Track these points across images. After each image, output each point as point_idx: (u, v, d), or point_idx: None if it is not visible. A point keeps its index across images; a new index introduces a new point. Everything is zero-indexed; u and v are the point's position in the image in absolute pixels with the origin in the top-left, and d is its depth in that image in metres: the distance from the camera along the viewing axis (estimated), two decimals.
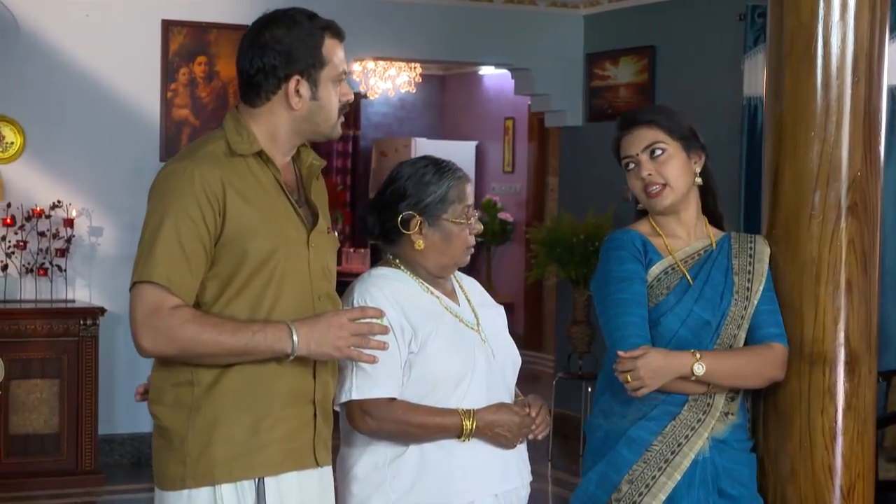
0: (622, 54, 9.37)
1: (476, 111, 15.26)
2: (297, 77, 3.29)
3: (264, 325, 3.19)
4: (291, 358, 3.21)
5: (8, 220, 8.14)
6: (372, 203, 3.69)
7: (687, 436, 3.57)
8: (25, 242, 8.18)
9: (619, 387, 3.58)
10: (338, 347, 3.22)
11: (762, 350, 3.63)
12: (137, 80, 8.53)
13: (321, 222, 3.40)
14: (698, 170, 3.70)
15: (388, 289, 3.56)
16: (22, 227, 8.18)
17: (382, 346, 3.30)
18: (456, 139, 15.26)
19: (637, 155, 3.65)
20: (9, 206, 8.18)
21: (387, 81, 13.40)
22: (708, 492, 3.58)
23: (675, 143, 3.65)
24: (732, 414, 3.64)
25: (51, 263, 8.25)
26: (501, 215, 13.92)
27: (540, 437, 3.67)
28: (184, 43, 8.64)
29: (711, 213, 3.78)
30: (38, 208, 8.21)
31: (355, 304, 3.51)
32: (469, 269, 12.06)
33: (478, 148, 15.11)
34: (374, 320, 3.30)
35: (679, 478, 3.55)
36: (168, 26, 8.60)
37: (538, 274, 9.33)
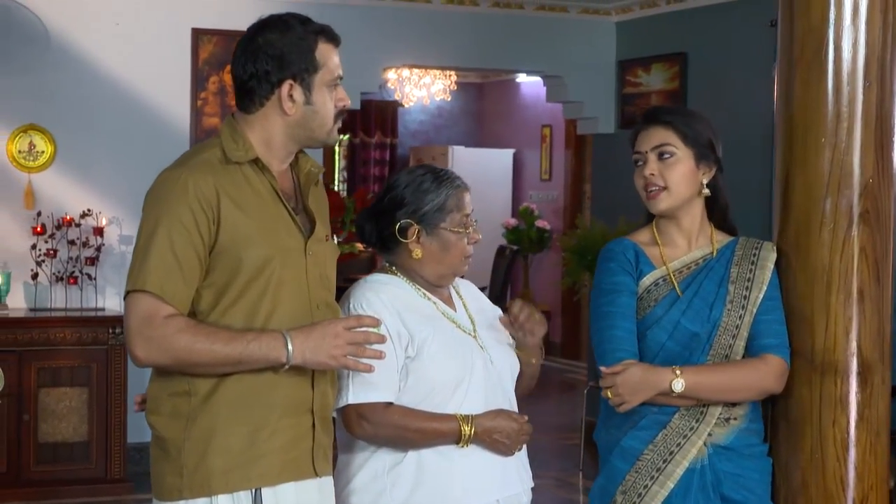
0: (654, 61, 9.30)
1: (513, 119, 15.22)
2: (290, 82, 3.26)
3: (259, 334, 3.16)
4: (287, 367, 3.18)
5: (38, 229, 8.17)
6: (369, 210, 3.66)
7: (679, 444, 3.52)
8: (55, 251, 8.20)
9: None
10: (333, 356, 3.19)
11: (753, 363, 3.56)
12: (167, 89, 8.54)
13: (319, 230, 3.37)
14: (705, 181, 3.62)
15: (385, 294, 3.53)
16: (52, 236, 8.20)
17: (378, 356, 3.26)
18: (493, 147, 15.24)
19: (646, 152, 3.61)
20: (39, 214, 8.21)
21: (422, 89, 13.38)
22: (708, 498, 3.52)
23: (687, 149, 3.59)
24: (736, 419, 3.57)
25: (80, 272, 8.28)
26: (539, 223, 13.87)
27: (532, 337, 3.62)
28: (213, 51, 8.65)
29: (721, 225, 3.71)
30: (69, 217, 8.24)
31: (352, 310, 3.49)
32: (507, 277, 12.01)
33: (515, 156, 15.07)
34: (370, 329, 3.26)
35: (672, 486, 3.50)
36: (198, 35, 8.61)
37: (568, 282, 9.28)
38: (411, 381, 3.49)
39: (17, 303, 8.23)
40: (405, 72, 13.17)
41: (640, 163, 3.63)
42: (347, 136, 15.65)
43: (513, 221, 13.99)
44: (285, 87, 3.26)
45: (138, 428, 8.26)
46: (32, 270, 8.19)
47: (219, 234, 3.18)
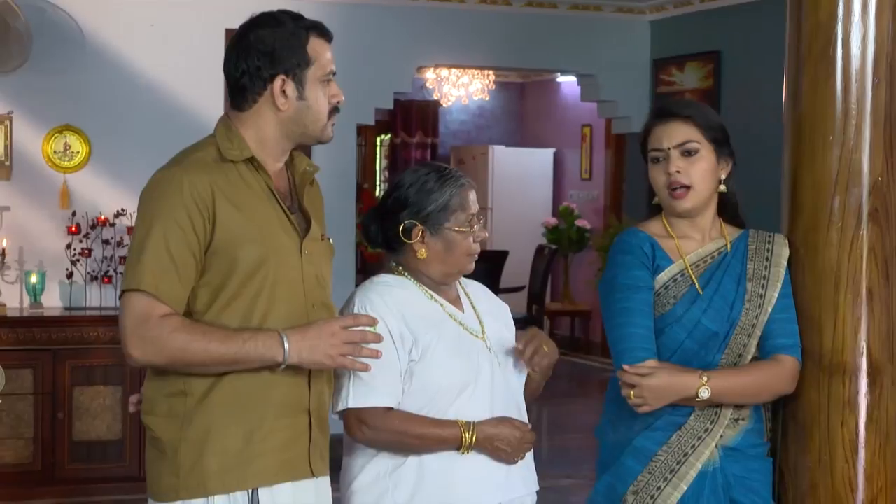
0: (688, 60, 9.24)
1: (553, 118, 15.16)
2: (282, 77, 3.23)
3: (255, 334, 3.13)
4: (283, 367, 3.15)
5: (73, 229, 8.19)
6: (374, 211, 3.62)
7: (693, 445, 3.45)
8: (90, 250, 8.23)
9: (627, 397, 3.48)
10: (330, 356, 3.16)
11: (769, 366, 3.49)
12: (201, 89, 8.54)
13: (314, 229, 3.33)
14: (723, 176, 3.55)
15: (388, 296, 3.49)
16: (87, 236, 8.23)
17: (375, 355, 3.23)
18: (534, 146, 15.18)
19: (668, 149, 3.49)
20: (74, 214, 8.23)
21: (460, 89, 13.34)
22: (718, 502, 3.46)
23: (708, 144, 3.51)
24: (744, 419, 3.51)
25: (115, 271, 8.29)
26: (579, 222, 13.80)
27: (539, 369, 3.57)
28: None
29: (735, 219, 3.63)
30: (103, 217, 8.26)
31: (355, 312, 3.44)
32: (546, 277, 11.92)
33: (555, 155, 15.01)
34: (367, 328, 3.22)
35: (685, 488, 3.43)
36: (231, 35, 8.58)
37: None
38: (415, 385, 3.44)
39: (53, 302, 8.26)
40: (444, 72, 13.13)
41: (659, 159, 3.52)
42: (388, 136, 15.63)
43: (553, 221, 13.92)
44: (277, 83, 3.23)
45: None
46: (67, 270, 8.21)
47: (214, 234, 3.15)
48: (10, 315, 7.91)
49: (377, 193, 15.77)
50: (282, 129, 3.28)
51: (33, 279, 8.07)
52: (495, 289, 11.60)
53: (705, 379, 3.39)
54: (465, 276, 3.69)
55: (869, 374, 3.51)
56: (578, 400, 10.82)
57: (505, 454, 3.48)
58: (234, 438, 3.18)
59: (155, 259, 3.11)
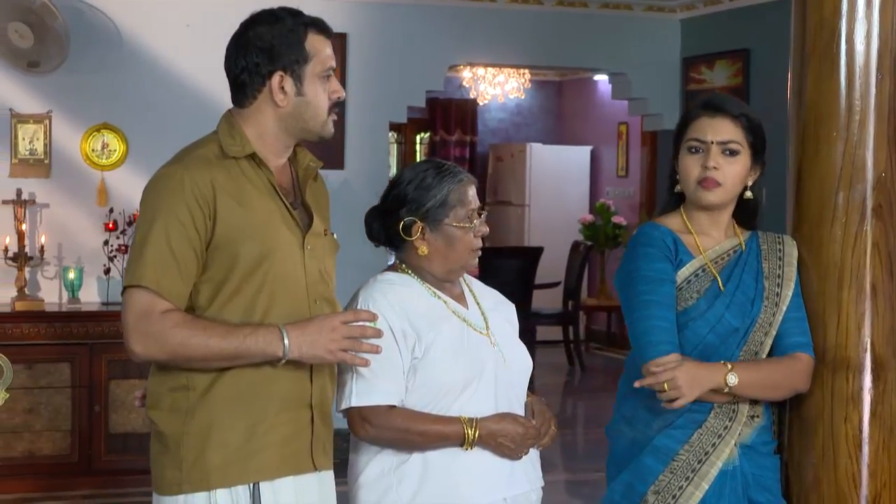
0: (717, 57, 9.17)
1: (590, 116, 15.08)
2: (280, 73, 3.21)
3: (255, 329, 3.11)
4: (283, 361, 3.12)
5: (111, 225, 8.20)
6: (376, 209, 3.57)
7: (714, 444, 3.39)
8: (126, 246, 8.22)
9: (646, 394, 3.41)
10: (330, 350, 3.12)
11: (789, 361, 3.43)
12: None
13: (317, 224, 3.30)
14: (750, 182, 3.48)
15: (392, 294, 3.44)
16: (123, 232, 8.22)
17: (375, 350, 3.19)
18: (571, 144, 15.10)
19: (711, 143, 3.41)
20: (111, 211, 8.24)
21: (496, 88, 13.29)
22: (739, 502, 3.40)
23: (748, 149, 3.44)
24: (758, 416, 3.45)
25: None
26: (615, 219, 13.70)
27: (543, 447, 3.55)
28: None
29: (748, 224, 3.57)
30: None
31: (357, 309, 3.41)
32: (581, 273, 11.81)
33: (592, 152, 14.92)
34: (367, 323, 3.19)
35: (707, 487, 3.36)
36: None
37: None
38: (419, 382, 3.40)
39: (90, 297, 8.28)
40: (480, 70, 13.08)
41: (698, 151, 3.43)
42: (428, 134, 15.61)
43: (589, 217, 13.84)
44: (276, 79, 3.21)
45: None
46: (104, 266, 8.22)
47: (215, 229, 3.13)
48: (49, 310, 7.94)
49: None
50: (281, 125, 3.25)
51: (71, 275, 8.09)
52: (530, 284, 11.57)
53: (730, 367, 3.33)
54: (479, 275, 3.64)
55: (872, 370, 3.45)
56: (613, 394, 10.73)
57: (508, 450, 3.44)
58: (235, 432, 3.16)
59: (156, 255, 3.09)
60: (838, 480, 3.45)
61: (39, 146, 8.20)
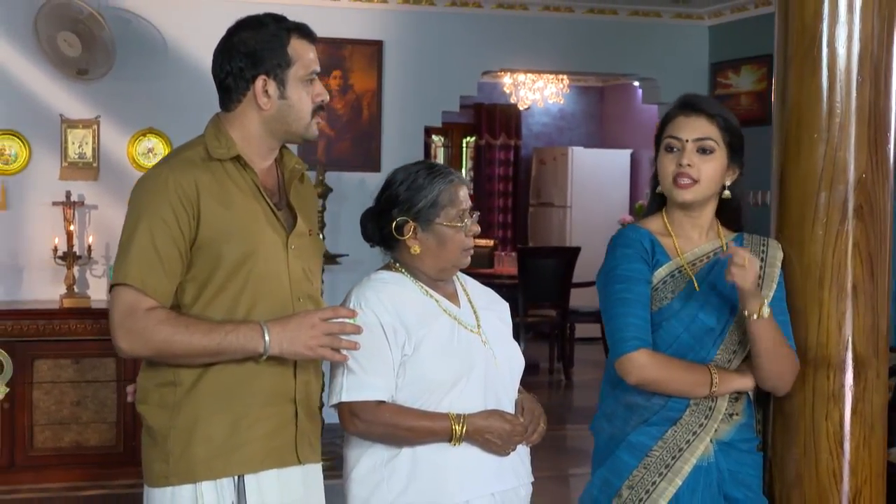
0: (743, 63, 9.06)
1: (631, 120, 14.98)
2: (263, 77, 3.20)
3: (237, 326, 3.09)
4: (264, 357, 3.10)
5: None
6: (370, 210, 3.54)
7: (688, 440, 3.33)
8: None
9: (623, 391, 3.37)
10: (310, 346, 3.10)
11: (792, 353, 3.36)
12: None
13: (300, 225, 3.28)
14: (728, 182, 3.42)
15: (384, 292, 3.41)
16: None
17: (353, 346, 3.17)
18: (612, 147, 15.01)
19: (686, 141, 3.37)
20: None
21: (535, 93, 13.23)
22: (713, 497, 3.33)
23: (724, 147, 3.38)
24: (737, 414, 3.39)
25: None
26: None
27: (531, 444, 3.50)
28: (320, 58, 8.57)
29: (733, 224, 3.50)
30: None
31: (350, 307, 3.38)
32: None
33: (632, 156, 14.82)
34: (346, 320, 3.16)
35: (680, 483, 3.30)
36: None
37: None
38: (408, 378, 3.36)
39: None
40: (520, 76, 13.03)
41: (674, 149, 3.40)
42: (474, 138, 15.58)
43: (629, 218, 13.73)
44: (259, 83, 3.20)
45: None
46: None
47: (199, 230, 3.11)
48: (95, 307, 7.97)
49: None
50: (266, 128, 3.24)
51: None
52: (568, 283, 11.49)
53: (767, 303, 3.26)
54: (483, 273, 3.60)
55: (853, 368, 3.38)
56: None
57: (495, 446, 3.39)
58: (220, 427, 3.14)
59: (141, 254, 3.08)
60: (820, 477, 3.39)
61: (88, 150, 8.25)
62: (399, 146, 8.77)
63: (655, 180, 3.48)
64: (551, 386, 11.26)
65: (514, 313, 10.95)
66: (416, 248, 3.45)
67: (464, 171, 15.94)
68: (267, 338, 3.07)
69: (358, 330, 3.18)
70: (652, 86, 9.47)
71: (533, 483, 3.56)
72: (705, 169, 3.36)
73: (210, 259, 3.12)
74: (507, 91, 13.64)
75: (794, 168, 3.44)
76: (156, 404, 3.19)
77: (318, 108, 3.26)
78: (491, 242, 13.33)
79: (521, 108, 14.03)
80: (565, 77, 13.22)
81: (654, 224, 3.47)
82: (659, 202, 3.51)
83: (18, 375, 7.55)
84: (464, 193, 3.47)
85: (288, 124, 3.24)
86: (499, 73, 13.17)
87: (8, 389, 3.29)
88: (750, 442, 3.42)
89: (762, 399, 3.50)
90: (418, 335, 3.37)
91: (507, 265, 12.40)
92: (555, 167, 14.77)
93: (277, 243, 3.21)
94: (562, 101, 14.06)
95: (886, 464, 3.49)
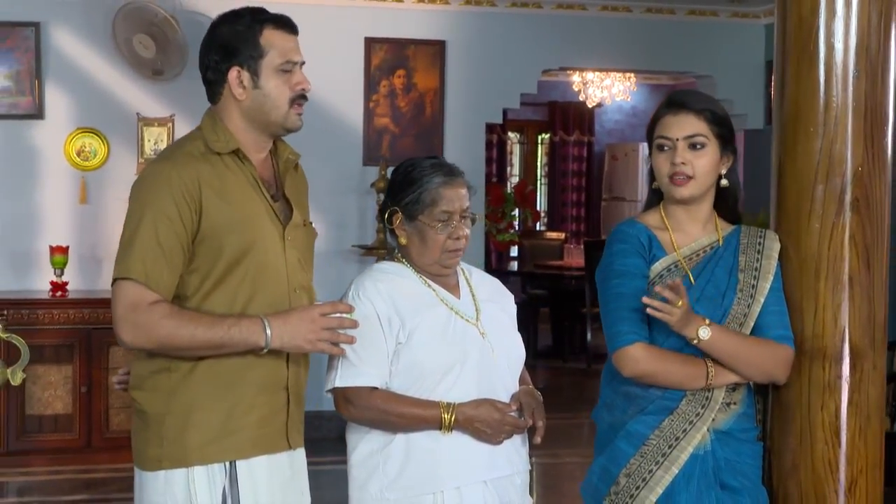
0: None
1: None
2: (237, 68, 3.16)
3: (239, 320, 3.06)
4: (265, 350, 3.08)
5: None
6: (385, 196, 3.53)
7: (685, 430, 3.24)
8: None
9: (620, 382, 3.30)
10: (309, 340, 3.08)
11: (769, 344, 3.26)
12: (342, 93, 8.53)
13: (296, 216, 3.25)
14: (724, 171, 3.34)
15: (382, 282, 3.37)
16: None
17: (350, 340, 3.14)
18: None
19: (676, 140, 3.29)
20: None
21: (603, 91, 13.12)
22: (709, 485, 3.24)
23: (715, 140, 3.30)
24: (735, 403, 3.29)
25: None
26: None
27: (537, 441, 3.44)
28: (385, 58, 8.61)
29: (730, 213, 3.42)
30: None
31: (350, 296, 3.36)
32: None
33: None
34: (343, 315, 3.13)
35: (676, 472, 3.22)
36: (370, 43, 8.59)
37: None
38: (402, 366, 3.32)
39: None
40: (589, 75, 12.92)
41: (666, 148, 3.31)
42: (548, 135, 15.49)
43: None
44: (233, 74, 3.16)
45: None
46: None
47: (201, 223, 3.08)
48: None
49: (538, 188, 15.64)
50: (245, 119, 3.20)
51: None
52: None
53: (708, 322, 3.18)
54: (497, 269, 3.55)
55: (849, 359, 3.28)
56: None
57: (485, 435, 3.33)
58: (216, 413, 3.12)
59: (145, 249, 3.05)
60: (815, 466, 3.29)
61: (163, 147, 8.29)
62: (461, 142, 8.72)
63: (652, 176, 3.39)
64: None
65: (581, 304, 10.90)
66: (402, 239, 3.43)
67: (538, 167, 15.85)
68: (268, 332, 3.05)
69: (354, 325, 3.16)
70: (709, 83, 9.31)
71: (530, 470, 3.51)
72: (699, 164, 3.28)
73: (211, 252, 3.09)
74: (577, 89, 13.53)
75: (792, 161, 3.34)
76: (150, 390, 3.16)
77: (299, 98, 3.20)
78: (562, 236, 13.24)
79: (589, 106, 13.90)
80: (632, 75, 13.07)
81: (651, 219, 3.40)
82: (656, 197, 3.42)
83: (95, 361, 7.65)
84: (454, 195, 3.40)
85: (265, 114, 3.19)
86: (569, 72, 13.06)
87: (25, 376, 3.27)
88: (749, 431, 3.33)
89: (762, 389, 3.40)
90: (412, 323, 3.33)
91: (577, 257, 12.30)
92: (626, 163, 14.66)
93: (275, 235, 3.18)
94: (629, 99, 13.91)
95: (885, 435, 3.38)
